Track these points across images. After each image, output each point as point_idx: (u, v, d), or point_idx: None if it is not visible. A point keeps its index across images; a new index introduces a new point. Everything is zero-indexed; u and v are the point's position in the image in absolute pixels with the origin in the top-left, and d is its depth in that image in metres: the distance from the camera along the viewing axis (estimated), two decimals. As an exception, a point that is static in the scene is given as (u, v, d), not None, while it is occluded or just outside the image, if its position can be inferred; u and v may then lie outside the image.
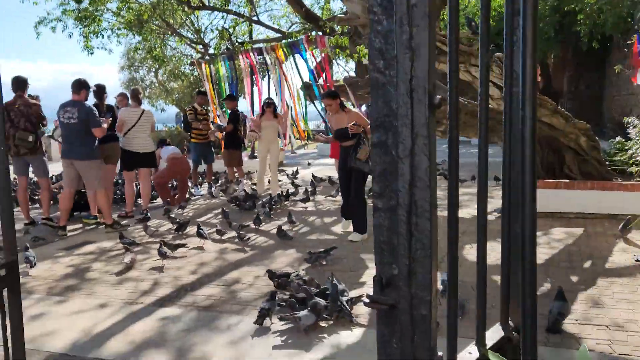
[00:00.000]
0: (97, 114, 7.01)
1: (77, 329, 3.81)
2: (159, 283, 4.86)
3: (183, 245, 5.92)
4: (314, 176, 10.98)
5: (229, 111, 11.03)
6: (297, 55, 11.94)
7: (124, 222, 7.66)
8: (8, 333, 2.37)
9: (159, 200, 9.62)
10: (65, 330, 3.81)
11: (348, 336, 3.57)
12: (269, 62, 12.13)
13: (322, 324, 3.75)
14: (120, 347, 3.50)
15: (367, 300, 0.98)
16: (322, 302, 3.77)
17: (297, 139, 16.58)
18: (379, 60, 0.94)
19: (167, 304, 4.31)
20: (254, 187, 10.86)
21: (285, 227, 6.60)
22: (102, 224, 7.54)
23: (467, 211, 7.77)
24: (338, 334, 3.60)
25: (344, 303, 3.81)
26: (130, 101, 8.37)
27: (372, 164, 0.99)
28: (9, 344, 2.40)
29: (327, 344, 3.45)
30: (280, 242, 6.22)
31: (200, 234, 6.31)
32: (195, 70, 14.94)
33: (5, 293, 2.38)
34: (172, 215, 7.82)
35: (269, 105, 10.10)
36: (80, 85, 6.98)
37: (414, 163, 0.90)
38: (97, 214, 7.77)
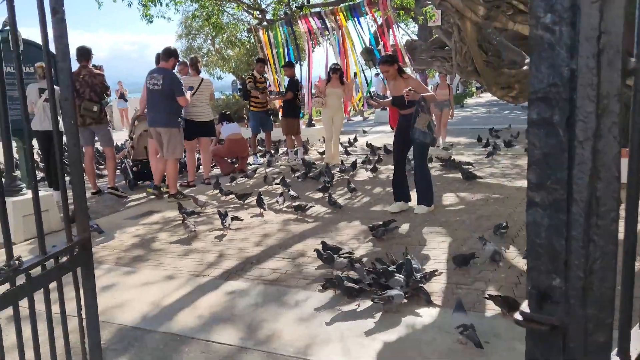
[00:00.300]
0: (182, 83, 7.06)
1: (146, 301, 3.80)
2: (224, 255, 4.81)
3: (238, 219, 5.82)
4: (370, 145, 10.71)
5: (286, 78, 10.85)
6: (356, 19, 11.56)
7: (185, 191, 7.69)
8: (83, 312, 2.32)
9: (218, 170, 9.64)
10: (135, 302, 3.80)
11: (423, 316, 3.39)
12: (329, 26, 11.81)
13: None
14: (189, 321, 3.45)
15: (520, 318, 0.79)
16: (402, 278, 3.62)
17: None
18: (544, 13, 0.71)
19: (234, 276, 4.25)
20: (321, 154, 10.70)
21: (343, 198, 6.44)
22: (166, 193, 7.60)
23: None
24: (412, 313, 3.43)
25: (420, 281, 3.64)
26: (189, 70, 8.34)
27: (529, 147, 0.78)
28: (84, 323, 2.35)
29: (402, 324, 3.28)
30: (344, 213, 6.07)
31: (259, 203, 6.25)
32: (252, 37, 14.78)
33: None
34: (232, 184, 7.80)
35: (335, 71, 9.60)
36: (169, 54, 7.08)
37: (598, 147, 0.69)
38: (161, 184, 7.83)
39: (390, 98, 6.36)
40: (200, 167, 9.09)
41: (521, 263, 4.20)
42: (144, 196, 7.71)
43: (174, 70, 7.16)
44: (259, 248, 4.98)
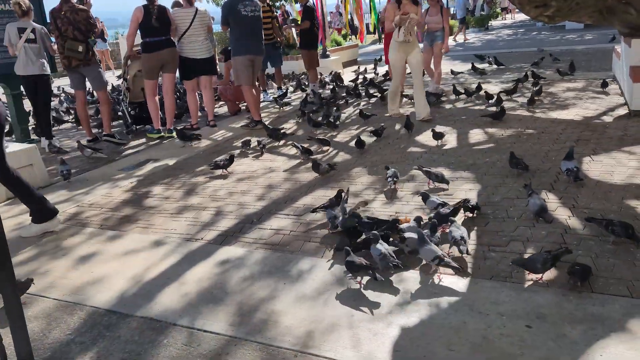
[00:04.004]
0: None
1: (127, 276, 3.28)
2: (222, 212, 4.26)
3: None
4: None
5: (298, 5, 9.90)
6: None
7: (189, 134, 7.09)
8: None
9: (223, 109, 9.00)
10: (115, 276, 3.29)
11: (450, 291, 2.80)
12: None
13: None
14: (172, 302, 2.93)
15: None
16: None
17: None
18: None
19: (230, 240, 3.70)
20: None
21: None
22: (167, 138, 7.05)
23: (575, 111, 6.61)
24: (437, 288, 2.85)
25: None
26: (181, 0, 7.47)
27: None
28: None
29: (424, 303, 2.69)
30: (359, 157, 5.42)
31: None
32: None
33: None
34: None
35: None
36: None
37: None
38: (161, 128, 7.23)
39: None
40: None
41: (565, 216, 3.55)
42: (143, 142, 7.15)
43: None
44: (262, 203, 4.41)
